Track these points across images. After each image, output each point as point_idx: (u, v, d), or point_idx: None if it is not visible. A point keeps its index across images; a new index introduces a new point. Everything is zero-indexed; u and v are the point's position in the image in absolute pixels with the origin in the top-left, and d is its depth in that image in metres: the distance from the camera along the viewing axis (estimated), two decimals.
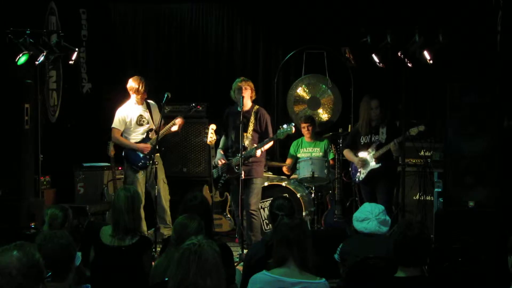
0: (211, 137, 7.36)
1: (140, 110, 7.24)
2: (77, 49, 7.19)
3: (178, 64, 9.14)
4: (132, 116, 7.21)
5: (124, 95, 7.37)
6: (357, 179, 6.80)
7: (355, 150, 6.78)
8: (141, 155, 7.15)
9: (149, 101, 7.32)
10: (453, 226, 5.62)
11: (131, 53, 9.24)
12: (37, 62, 6.68)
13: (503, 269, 3.30)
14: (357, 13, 8.22)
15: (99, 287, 4.28)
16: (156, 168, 6.91)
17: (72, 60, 7.13)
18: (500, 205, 5.59)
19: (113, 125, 7.25)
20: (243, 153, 6.49)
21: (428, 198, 7.02)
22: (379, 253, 3.99)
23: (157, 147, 7.04)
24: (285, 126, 6.53)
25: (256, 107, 6.79)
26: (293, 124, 6.62)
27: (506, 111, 5.88)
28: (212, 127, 7.41)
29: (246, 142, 6.61)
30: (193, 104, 7.76)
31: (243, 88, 6.65)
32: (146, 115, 7.25)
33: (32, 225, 6.12)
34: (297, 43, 8.32)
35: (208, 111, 8.25)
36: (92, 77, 8.74)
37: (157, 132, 7.02)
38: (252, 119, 6.69)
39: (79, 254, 4.09)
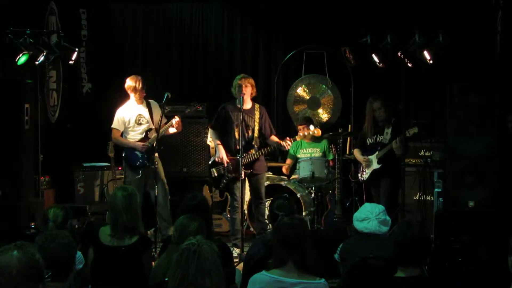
0: (211, 137, 7.37)
1: (139, 109, 7.17)
2: (77, 49, 7.19)
3: (178, 64, 9.14)
4: (131, 115, 7.14)
5: (123, 95, 7.35)
6: (363, 179, 6.99)
7: (364, 151, 6.94)
8: (140, 154, 7.07)
9: (150, 100, 7.26)
10: (453, 226, 5.62)
11: (131, 53, 9.24)
12: (37, 62, 6.69)
13: (503, 269, 3.30)
14: (357, 13, 8.22)
15: (99, 287, 4.28)
16: (156, 169, 6.84)
17: (72, 60, 7.13)
18: (500, 205, 5.58)
19: (112, 126, 7.20)
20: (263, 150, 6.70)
21: (428, 198, 7.02)
22: (379, 253, 3.98)
23: (156, 147, 6.96)
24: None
25: (257, 105, 6.81)
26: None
27: (506, 111, 5.87)
28: None
29: (253, 141, 6.69)
30: (193, 104, 7.51)
31: (243, 86, 6.65)
32: (146, 114, 7.18)
33: (32, 225, 6.10)
34: (297, 43, 8.32)
35: (208, 111, 8.24)
36: (92, 77, 8.73)
37: (157, 131, 6.95)
38: (257, 118, 6.71)
39: (82, 258, 4.11)
